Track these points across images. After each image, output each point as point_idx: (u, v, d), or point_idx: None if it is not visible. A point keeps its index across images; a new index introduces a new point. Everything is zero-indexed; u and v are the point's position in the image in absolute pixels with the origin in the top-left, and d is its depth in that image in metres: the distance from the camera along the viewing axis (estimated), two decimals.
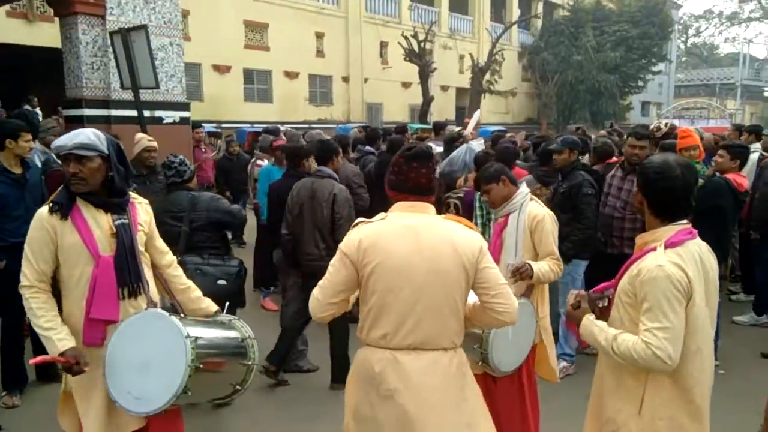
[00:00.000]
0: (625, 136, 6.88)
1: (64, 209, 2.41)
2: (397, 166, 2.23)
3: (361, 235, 2.14)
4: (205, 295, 3.11)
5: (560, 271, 3.24)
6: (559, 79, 30.36)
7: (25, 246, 2.41)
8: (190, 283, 2.84)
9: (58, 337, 2.35)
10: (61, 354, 2.33)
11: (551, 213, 3.30)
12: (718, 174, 4.88)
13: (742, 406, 3.86)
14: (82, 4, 6.82)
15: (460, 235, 2.15)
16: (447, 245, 2.11)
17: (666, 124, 6.42)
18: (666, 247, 1.98)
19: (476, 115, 8.85)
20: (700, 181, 4.71)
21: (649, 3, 31.72)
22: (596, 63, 29.90)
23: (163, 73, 7.43)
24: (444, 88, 28.02)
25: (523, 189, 3.31)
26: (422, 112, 22.53)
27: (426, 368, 2.10)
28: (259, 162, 6.72)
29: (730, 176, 4.78)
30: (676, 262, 1.94)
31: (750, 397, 3.87)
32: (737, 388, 4.17)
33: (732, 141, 6.30)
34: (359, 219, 2.25)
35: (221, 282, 3.88)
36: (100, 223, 2.45)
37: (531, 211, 3.23)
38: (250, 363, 2.58)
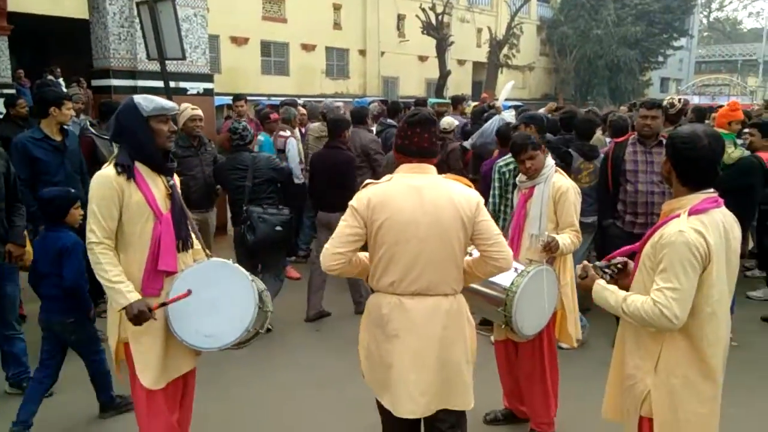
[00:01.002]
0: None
1: (129, 170, 2.56)
2: (402, 131, 2.46)
3: (369, 194, 2.37)
4: (264, 239, 4.53)
5: (578, 242, 3.32)
6: (578, 53, 30.00)
7: (92, 205, 2.51)
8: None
9: (128, 289, 2.52)
10: (130, 305, 2.50)
11: (575, 185, 3.36)
12: (747, 152, 4.87)
13: (756, 375, 4.08)
14: None
15: (458, 192, 2.38)
16: (447, 201, 2.34)
17: (680, 100, 6.36)
18: (690, 214, 2.07)
19: (508, 86, 8.86)
20: (734, 156, 4.73)
21: None
22: (616, 37, 29.46)
23: (187, 44, 7.48)
24: (461, 62, 27.82)
25: (550, 161, 3.37)
26: (439, 87, 22.44)
27: (428, 311, 2.37)
28: (281, 133, 6.82)
29: (762, 154, 4.79)
30: (698, 228, 2.03)
31: (762, 367, 4.16)
32: (749, 358, 4.30)
33: (763, 119, 6.27)
34: (368, 180, 2.49)
35: (278, 228, 4.62)
36: (157, 184, 2.64)
37: (555, 182, 3.30)
38: (269, 310, 2.85)
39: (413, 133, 2.41)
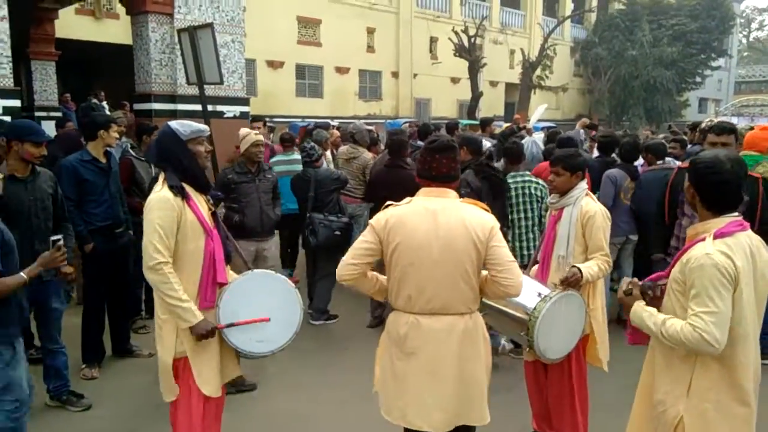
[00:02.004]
0: (695, 132, 6.74)
1: (183, 191, 2.70)
2: (422, 156, 2.58)
3: (388, 215, 2.50)
4: (324, 242, 5.23)
5: (609, 267, 3.28)
6: (612, 74, 29.71)
7: (155, 225, 2.60)
8: None
9: (195, 308, 2.67)
10: (199, 324, 2.65)
11: (604, 209, 3.34)
12: None
13: None
14: (152, 3, 7.19)
15: (472, 216, 2.47)
16: (460, 225, 2.43)
17: (707, 122, 6.34)
18: (715, 237, 2.09)
19: (540, 109, 8.92)
20: None
21: None
22: (652, 58, 29.12)
23: (224, 69, 7.75)
24: (493, 84, 27.86)
25: (582, 185, 3.37)
26: (471, 108, 22.48)
27: (444, 329, 2.47)
28: None
29: None
30: (724, 251, 2.05)
31: None
32: None
33: None
34: (388, 202, 2.60)
35: (337, 233, 5.26)
36: (201, 203, 2.81)
37: (584, 206, 3.30)
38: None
39: (432, 158, 2.52)
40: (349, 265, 2.51)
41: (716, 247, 2.07)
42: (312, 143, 5.77)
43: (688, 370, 2.15)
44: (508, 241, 4.89)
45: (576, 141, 6.18)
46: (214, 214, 2.86)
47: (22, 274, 2.74)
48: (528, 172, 5.05)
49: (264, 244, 4.86)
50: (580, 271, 3.11)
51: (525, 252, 4.86)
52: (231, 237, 3.11)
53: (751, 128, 6.21)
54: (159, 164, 2.81)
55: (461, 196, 4.66)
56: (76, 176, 4.24)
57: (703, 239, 2.12)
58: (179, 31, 7.11)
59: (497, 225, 2.49)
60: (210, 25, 6.76)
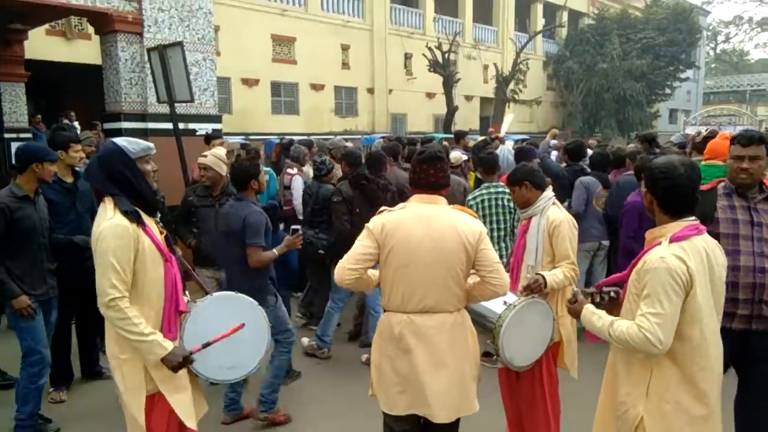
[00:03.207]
0: (646, 144, 6.92)
1: (139, 216, 2.49)
2: (414, 167, 2.77)
3: (384, 220, 2.65)
4: (309, 259, 5.58)
5: (576, 275, 3.33)
6: (584, 87, 30.27)
7: (109, 259, 2.38)
8: None
9: (162, 339, 2.47)
10: (172, 353, 2.45)
11: (570, 218, 3.40)
12: None
13: None
14: (121, 23, 7.14)
15: (463, 221, 2.66)
16: (451, 229, 2.62)
17: (707, 130, 6.64)
18: (671, 241, 2.15)
19: (508, 119, 9.08)
20: None
21: (676, 10, 31.47)
22: (622, 71, 29.73)
23: (196, 87, 7.72)
24: (468, 98, 28.15)
25: (547, 194, 3.43)
26: (446, 122, 22.67)
27: (436, 326, 2.63)
28: (288, 171, 6.97)
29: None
30: (679, 255, 2.10)
31: None
32: None
33: None
34: (383, 207, 2.77)
35: (320, 251, 5.33)
36: (153, 226, 2.62)
37: (550, 215, 3.35)
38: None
39: (421, 169, 2.70)
40: (348, 269, 2.61)
41: (671, 250, 2.12)
42: (325, 158, 5.92)
43: (647, 372, 2.19)
44: None
45: (534, 152, 6.37)
46: (166, 237, 2.68)
47: (274, 250, 3.74)
48: (502, 183, 5.11)
49: (222, 274, 4.38)
50: (544, 278, 3.16)
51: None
52: (183, 260, 3.05)
53: (710, 136, 6.41)
54: (105, 186, 2.53)
55: (334, 204, 4.90)
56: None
57: (660, 243, 2.17)
58: (149, 50, 7.09)
59: (485, 230, 2.69)
60: (180, 44, 6.74)
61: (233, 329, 2.62)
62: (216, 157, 4.53)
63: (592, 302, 2.38)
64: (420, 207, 2.69)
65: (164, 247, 2.58)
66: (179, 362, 2.48)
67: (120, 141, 2.59)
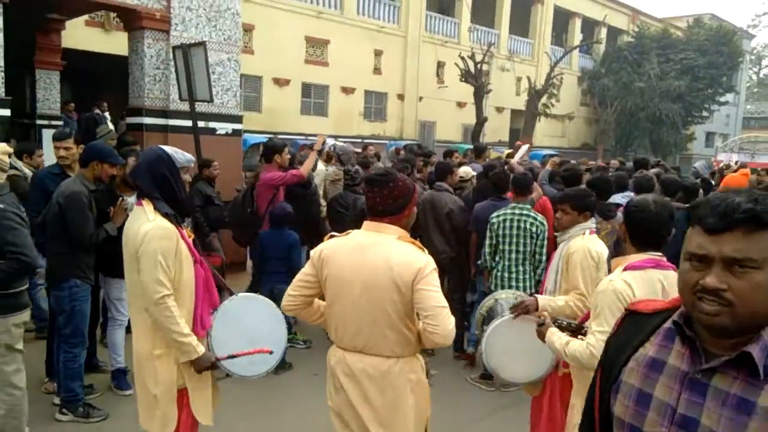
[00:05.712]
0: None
1: (178, 219, 2.68)
2: (364, 189, 2.63)
3: (323, 247, 2.45)
4: None
5: (583, 306, 3.14)
6: (619, 105, 29.80)
7: (157, 258, 2.52)
8: None
9: (196, 343, 2.63)
10: (201, 357, 2.64)
11: (590, 248, 3.23)
12: None
13: None
14: (149, 20, 7.27)
15: (400, 256, 2.28)
16: (383, 264, 2.28)
17: (735, 162, 6.39)
18: (626, 269, 2.34)
19: (523, 149, 8.92)
20: None
21: (719, 32, 30.82)
22: (659, 91, 29.20)
23: (219, 87, 7.82)
24: (499, 110, 27.96)
25: (586, 224, 3.34)
26: (475, 133, 22.54)
27: (367, 369, 2.37)
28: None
29: None
30: (627, 280, 2.29)
31: None
32: None
33: None
34: (331, 232, 2.54)
35: None
36: (185, 231, 2.77)
37: (572, 243, 3.28)
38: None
39: (368, 191, 2.44)
40: (288, 295, 2.53)
41: (621, 276, 2.31)
42: (357, 167, 5.92)
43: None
44: (497, 271, 4.93)
45: (534, 174, 6.24)
46: (194, 241, 2.82)
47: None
48: (529, 207, 5.01)
49: None
50: (536, 300, 3.12)
51: (513, 283, 4.90)
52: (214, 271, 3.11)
53: (737, 168, 6.23)
54: (149, 189, 2.65)
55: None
56: (44, 189, 4.26)
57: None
58: (174, 48, 7.19)
59: (429, 266, 2.29)
60: (203, 44, 6.84)
61: (258, 350, 2.77)
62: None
63: (558, 327, 2.59)
64: (362, 235, 2.39)
65: (194, 250, 2.74)
66: (207, 366, 2.67)
67: (168, 149, 2.76)
